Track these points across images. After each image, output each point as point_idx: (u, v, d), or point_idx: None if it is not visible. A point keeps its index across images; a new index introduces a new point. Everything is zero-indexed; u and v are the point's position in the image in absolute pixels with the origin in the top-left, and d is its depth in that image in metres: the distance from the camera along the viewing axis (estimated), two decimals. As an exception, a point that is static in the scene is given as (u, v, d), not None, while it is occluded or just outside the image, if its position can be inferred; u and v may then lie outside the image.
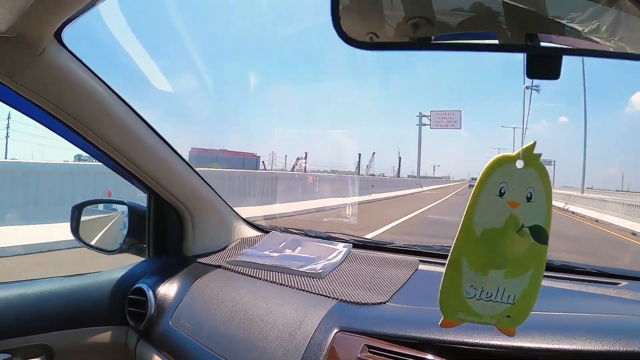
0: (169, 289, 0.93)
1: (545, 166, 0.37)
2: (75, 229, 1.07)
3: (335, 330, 0.68)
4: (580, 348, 0.57)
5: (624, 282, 0.86)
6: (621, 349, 0.55)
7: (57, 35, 0.68)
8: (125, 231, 1.06)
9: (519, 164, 0.37)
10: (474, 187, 0.37)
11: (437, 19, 0.35)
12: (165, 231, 1.05)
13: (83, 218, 1.10)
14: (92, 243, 1.08)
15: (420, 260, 0.98)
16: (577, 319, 0.67)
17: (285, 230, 1.15)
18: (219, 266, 0.97)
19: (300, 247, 1.01)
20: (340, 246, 1.02)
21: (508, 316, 0.41)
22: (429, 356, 0.61)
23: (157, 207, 1.03)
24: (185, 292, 0.92)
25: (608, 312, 0.71)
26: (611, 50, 0.33)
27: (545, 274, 0.92)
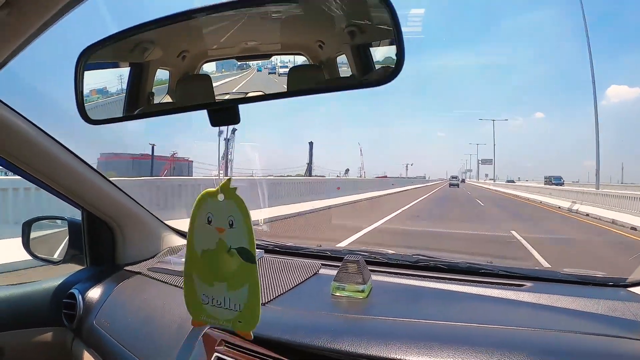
0: (95, 293, 1.07)
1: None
2: (26, 243, 1.22)
3: (207, 327, 0.79)
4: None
5: (528, 284, 0.89)
6: None
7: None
8: (67, 244, 1.20)
9: (220, 197, 0.46)
10: (190, 218, 0.47)
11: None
12: (100, 243, 1.19)
13: (36, 234, 1.25)
14: (41, 255, 1.22)
15: (322, 264, 1.07)
16: (454, 329, 0.69)
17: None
18: (139, 273, 1.10)
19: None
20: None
21: (240, 321, 0.51)
22: (273, 354, 0.67)
23: (90, 222, 1.16)
24: (108, 295, 1.05)
25: (501, 321, 0.71)
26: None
27: (450, 276, 0.98)
